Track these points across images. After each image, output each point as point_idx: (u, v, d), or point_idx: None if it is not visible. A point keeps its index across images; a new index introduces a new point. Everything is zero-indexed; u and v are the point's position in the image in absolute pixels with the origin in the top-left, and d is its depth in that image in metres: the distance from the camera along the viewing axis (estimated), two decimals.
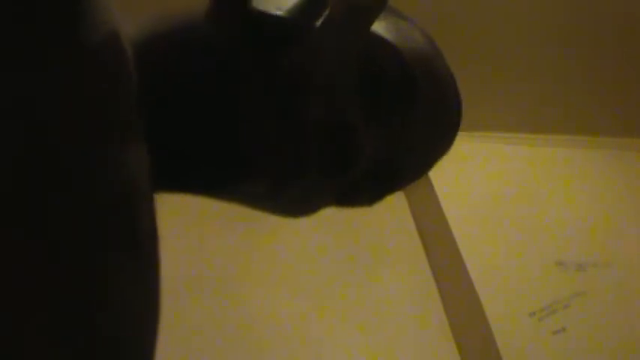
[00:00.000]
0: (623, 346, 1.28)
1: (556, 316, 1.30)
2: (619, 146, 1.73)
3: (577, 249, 1.45)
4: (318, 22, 0.35)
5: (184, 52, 0.35)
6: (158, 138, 0.34)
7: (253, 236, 1.42)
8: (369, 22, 0.36)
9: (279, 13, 0.35)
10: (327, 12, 0.36)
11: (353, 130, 0.36)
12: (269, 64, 0.34)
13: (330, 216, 1.61)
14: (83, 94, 0.24)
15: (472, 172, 1.57)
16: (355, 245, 1.48)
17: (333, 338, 1.29)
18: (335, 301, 1.36)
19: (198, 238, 1.38)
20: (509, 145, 1.66)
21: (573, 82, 1.61)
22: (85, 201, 0.25)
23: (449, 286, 1.44)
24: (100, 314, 0.25)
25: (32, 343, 0.22)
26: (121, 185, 0.26)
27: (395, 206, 1.61)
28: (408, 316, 1.38)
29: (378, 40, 0.38)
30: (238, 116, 0.34)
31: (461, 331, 1.36)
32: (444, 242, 1.44)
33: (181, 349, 1.15)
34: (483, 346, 1.26)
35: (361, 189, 0.41)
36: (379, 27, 0.38)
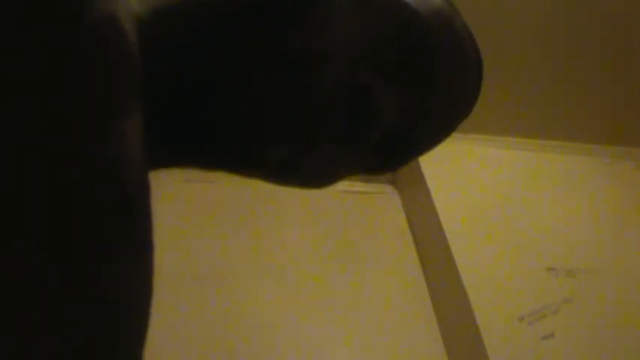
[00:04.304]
0: (610, 353, 1.29)
1: (545, 321, 1.31)
2: (612, 154, 1.74)
3: (568, 255, 1.45)
4: None
5: (196, 23, 0.35)
6: (176, 112, 0.34)
7: (244, 231, 1.42)
8: None
9: None
10: None
11: (368, 95, 0.36)
12: (283, 35, 0.34)
13: (323, 214, 1.60)
14: (83, 83, 0.24)
15: (466, 175, 1.58)
16: (347, 244, 1.48)
17: (321, 334, 1.29)
18: (324, 297, 1.36)
19: (188, 231, 1.38)
20: (505, 150, 1.66)
21: (568, 89, 1.61)
22: (86, 196, 0.25)
23: (440, 288, 1.44)
24: (99, 313, 0.25)
25: (33, 343, 0.22)
26: (120, 171, 0.26)
27: (388, 206, 1.61)
28: (397, 315, 1.38)
29: (395, 2, 0.37)
30: (254, 85, 0.34)
31: (450, 333, 1.37)
32: (437, 244, 1.44)
33: (168, 339, 1.15)
34: (471, 348, 1.27)
35: (383, 154, 0.40)
36: None
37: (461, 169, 1.57)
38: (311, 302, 1.34)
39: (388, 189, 1.65)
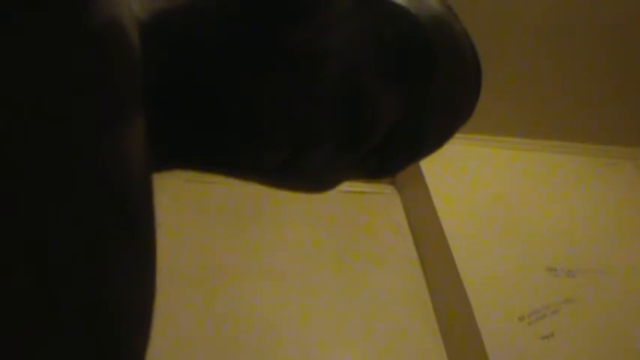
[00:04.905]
0: (610, 353, 1.29)
1: (545, 321, 1.31)
2: (612, 154, 1.74)
3: (568, 255, 1.45)
4: None
5: (197, 24, 0.35)
6: (176, 114, 0.34)
7: (244, 231, 1.42)
8: None
9: None
10: None
11: (368, 96, 0.36)
12: (283, 35, 0.34)
13: (323, 214, 1.60)
14: (84, 86, 0.24)
15: (467, 175, 1.58)
16: (347, 244, 1.48)
17: (320, 334, 1.29)
18: (324, 297, 1.36)
19: (188, 231, 1.38)
20: (504, 150, 1.66)
21: (568, 89, 1.62)
22: (86, 197, 0.24)
23: (440, 288, 1.44)
24: (101, 314, 0.25)
25: (32, 345, 0.22)
26: (118, 174, 0.26)
27: (388, 206, 1.61)
28: (397, 315, 1.38)
29: (391, 4, 0.38)
30: (254, 85, 0.34)
31: (449, 333, 1.37)
32: (437, 244, 1.44)
33: (168, 340, 1.15)
34: (471, 348, 1.27)
35: (383, 157, 0.40)
36: None
37: (461, 169, 1.57)
38: (311, 302, 1.34)
39: (388, 189, 1.65)
